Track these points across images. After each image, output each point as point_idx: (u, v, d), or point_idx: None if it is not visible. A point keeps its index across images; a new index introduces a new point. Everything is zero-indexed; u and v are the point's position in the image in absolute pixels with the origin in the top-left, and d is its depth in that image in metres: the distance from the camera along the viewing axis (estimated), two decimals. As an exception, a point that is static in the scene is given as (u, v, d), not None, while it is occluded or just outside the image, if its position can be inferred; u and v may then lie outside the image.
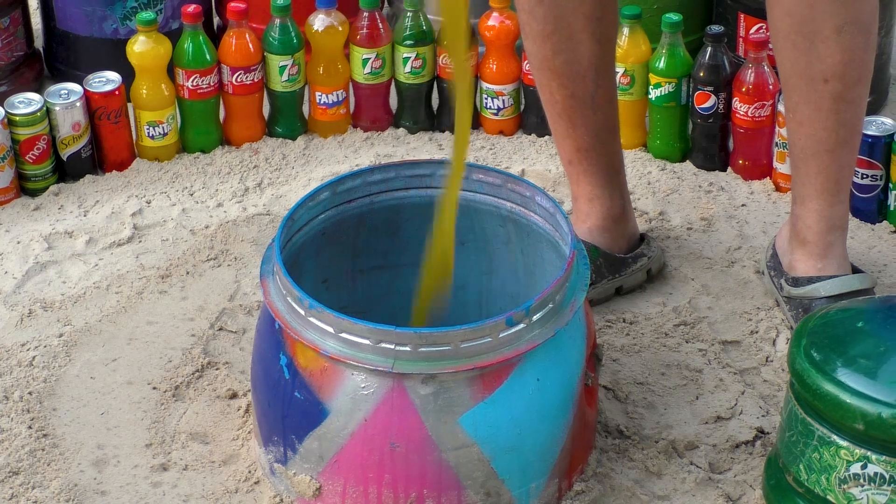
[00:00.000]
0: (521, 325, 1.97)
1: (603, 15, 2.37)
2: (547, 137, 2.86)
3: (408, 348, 1.93)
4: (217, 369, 2.36)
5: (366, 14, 2.86)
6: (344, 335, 1.95)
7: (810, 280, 2.39)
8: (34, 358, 2.38)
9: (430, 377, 1.94)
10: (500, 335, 1.95)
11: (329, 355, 1.95)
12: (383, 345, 1.93)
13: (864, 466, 1.95)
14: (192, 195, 2.78)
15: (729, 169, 2.83)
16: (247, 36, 2.84)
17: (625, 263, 2.50)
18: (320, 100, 2.91)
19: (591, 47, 2.38)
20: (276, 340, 2.04)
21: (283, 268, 2.01)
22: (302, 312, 1.98)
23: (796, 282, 2.41)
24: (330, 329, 1.96)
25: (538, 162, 2.85)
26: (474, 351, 1.94)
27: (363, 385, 1.96)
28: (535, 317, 1.98)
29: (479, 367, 1.95)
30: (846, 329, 2.03)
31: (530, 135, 2.93)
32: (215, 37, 2.96)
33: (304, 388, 2.00)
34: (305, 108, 2.96)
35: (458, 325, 1.94)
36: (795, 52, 2.27)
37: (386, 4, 3.22)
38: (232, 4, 2.84)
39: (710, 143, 2.81)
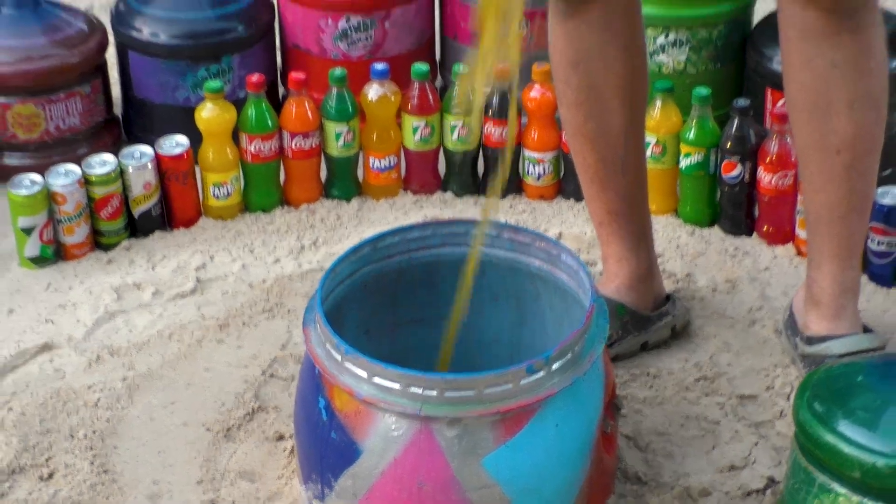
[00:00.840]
0: (542, 373, 1.99)
1: (633, 84, 2.41)
2: (584, 202, 2.88)
3: (434, 393, 1.96)
4: (266, 413, 2.41)
5: (416, 84, 2.89)
6: (376, 380, 1.98)
7: (823, 339, 2.41)
8: (99, 399, 2.43)
9: (456, 420, 1.97)
10: (522, 382, 1.98)
11: (363, 398, 1.99)
12: (412, 389, 1.97)
13: (863, 513, 1.98)
14: (251, 252, 2.82)
15: (754, 234, 2.83)
16: (306, 104, 2.87)
17: (650, 321, 2.52)
18: (373, 164, 2.94)
19: (621, 115, 2.41)
20: (315, 384, 2.07)
21: (324, 317, 2.05)
22: (339, 358, 2.01)
23: (810, 340, 2.43)
24: (363, 374, 1.99)
25: (575, 225, 2.88)
26: (497, 396, 1.97)
27: (394, 427, 1.99)
28: (554, 365, 2.00)
29: (502, 411, 1.97)
30: (847, 383, 2.06)
31: (569, 199, 2.95)
32: (279, 104, 3.00)
33: (339, 429, 2.03)
34: (360, 172, 2.98)
35: (484, 372, 1.98)
36: (810, 125, 2.30)
37: (438, 76, 3.27)
38: (293, 74, 2.89)
39: (736, 210, 2.83)
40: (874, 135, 2.31)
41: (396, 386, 1.98)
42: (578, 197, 2.90)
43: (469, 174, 2.99)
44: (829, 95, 2.25)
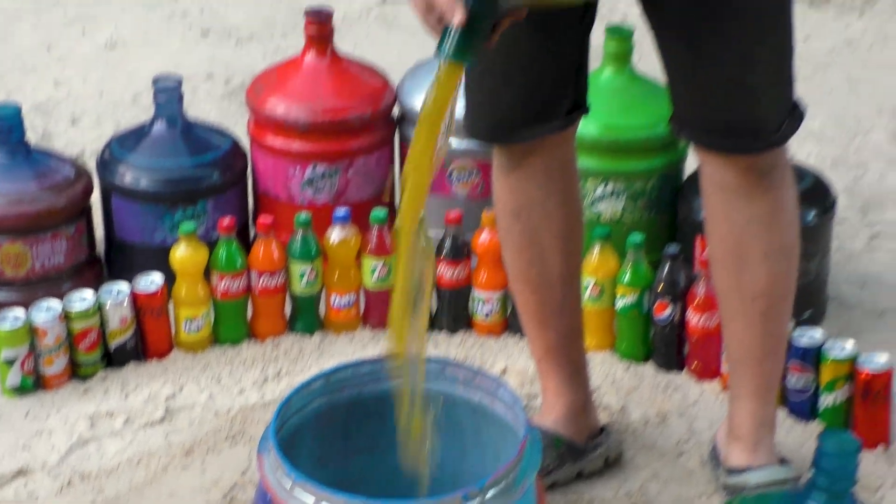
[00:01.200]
0: (476, 500, 1.99)
1: (570, 233, 2.44)
2: (529, 339, 2.91)
3: None
4: (227, 535, 2.41)
5: (375, 228, 2.92)
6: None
7: (742, 470, 2.41)
8: (69, 522, 2.44)
9: (395, 546, 2.00)
10: None
11: None
12: None
13: None
14: (219, 382, 2.82)
15: (684, 370, 2.84)
16: (273, 245, 2.89)
17: (585, 451, 2.52)
18: (334, 302, 2.96)
19: (560, 261, 2.43)
20: (268, 509, 2.09)
21: (276, 445, 2.06)
22: (288, 485, 2.01)
23: (730, 472, 2.43)
24: (311, 500, 1.99)
25: (520, 360, 2.88)
26: None
27: None
28: (488, 493, 2.00)
29: (437, 538, 2.00)
30: (761, 511, 2.09)
31: (514, 335, 2.95)
32: (250, 244, 3.01)
33: (289, 552, 2.05)
34: (322, 308, 3.00)
35: (424, 498, 2.00)
36: (728, 273, 2.34)
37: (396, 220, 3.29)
38: (261, 218, 2.93)
39: (668, 348, 2.84)
40: (787, 284, 2.34)
41: None
42: (524, 333, 2.91)
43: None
44: (745, 247, 2.29)
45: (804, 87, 3.96)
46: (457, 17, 1.83)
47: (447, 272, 2.94)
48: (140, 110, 3.81)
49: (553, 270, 2.44)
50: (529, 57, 2.24)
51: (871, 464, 2.58)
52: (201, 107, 3.88)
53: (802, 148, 3.68)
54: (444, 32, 1.87)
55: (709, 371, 2.81)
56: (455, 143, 3.01)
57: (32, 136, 3.56)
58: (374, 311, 3.00)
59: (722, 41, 2.12)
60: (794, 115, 2.23)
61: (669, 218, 3.03)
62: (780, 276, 2.32)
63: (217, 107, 3.89)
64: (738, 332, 2.38)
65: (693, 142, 2.26)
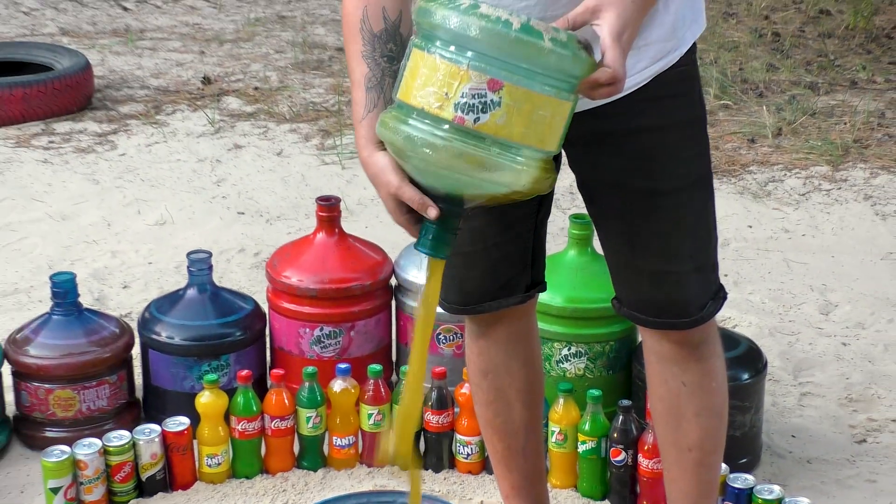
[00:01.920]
0: None
1: (531, 389, 2.44)
2: (503, 478, 2.91)
3: None
4: None
5: (371, 381, 2.95)
6: None
7: None
8: None
9: None
10: None
11: None
12: None
13: None
14: (234, 510, 2.84)
15: (637, 507, 2.85)
16: (283, 394, 2.92)
17: (546, 582, 2.53)
18: (336, 442, 2.97)
19: (522, 413, 2.44)
20: None
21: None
22: None
23: None
24: None
25: (495, 496, 2.86)
26: None
27: None
28: None
29: None
30: None
31: (491, 474, 2.92)
32: (265, 392, 3.00)
33: None
34: (325, 448, 3.00)
35: None
36: (666, 429, 2.34)
37: (393, 373, 3.32)
38: (274, 371, 2.97)
39: (622, 487, 2.84)
40: (717, 438, 2.34)
41: None
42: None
43: (414, 453, 2.97)
44: (680, 407, 2.29)
45: (748, 266, 4.11)
46: (432, 213, 1.82)
47: (433, 419, 2.95)
48: (182, 277, 3.84)
49: (516, 420, 2.45)
50: (491, 243, 2.26)
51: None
52: (233, 275, 3.95)
53: (745, 317, 3.73)
54: (421, 231, 1.86)
55: (658, 509, 2.81)
56: (443, 311, 3.05)
57: (89, 298, 3.65)
58: (370, 452, 2.99)
59: (650, 238, 2.14)
60: (717, 297, 2.23)
61: (624, 376, 3.05)
62: (710, 431, 2.32)
63: (247, 275, 3.95)
64: (676, 478, 2.38)
65: (630, 319, 2.28)
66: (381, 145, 1.86)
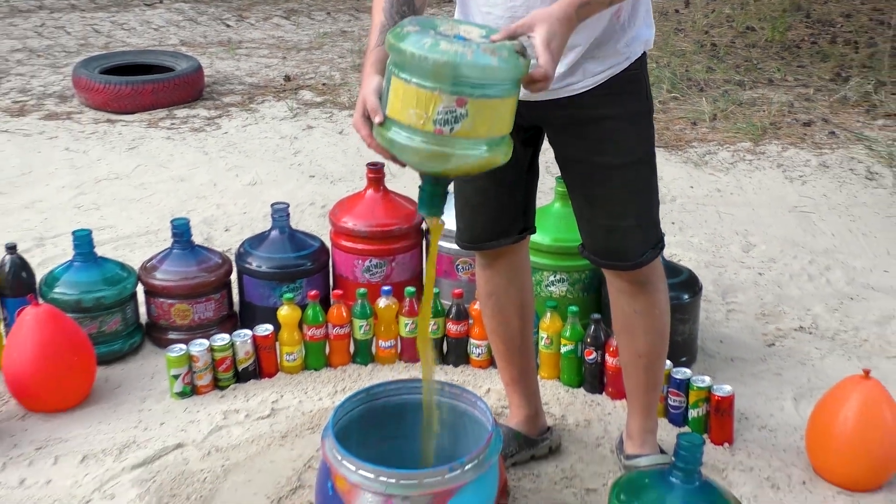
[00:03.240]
0: (458, 472, 2.01)
1: (523, 306, 2.45)
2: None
3: (394, 481, 1.98)
4: (304, 489, 2.41)
5: (407, 299, 2.94)
6: (360, 472, 2.01)
7: (634, 457, 2.42)
8: (206, 478, 2.43)
9: (406, 497, 1.99)
10: (446, 476, 2.01)
11: (352, 482, 2.01)
12: (381, 479, 1.99)
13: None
14: (305, 393, 2.82)
15: (603, 393, 2.83)
16: (342, 308, 2.91)
17: (536, 442, 2.52)
18: (381, 344, 2.97)
19: (517, 324, 2.45)
20: (326, 473, 2.09)
21: (332, 434, 2.08)
22: (339, 458, 2.04)
23: (628, 457, 2.43)
24: (353, 468, 2.01)
25: (498, 384, 2.84)
26: (431, 484, 1.99)
27: (370, 499, 2.00)
28: (466, 467, 2.03)
29: (433, 493, 1.99)
30: (639, 483, 2.07)
31: (496, 369, 2.89)
32: (328, 308, 3.00)
33: (338, 499, 2.04)
34: (373, 348, 3.00)
35: (424, 469, 2.00)
36: (623, 341, 2.37)
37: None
38: (335, 292, 2.95)
39: (593, 378, 2.83)
40: (660, 349, 2.36)
41: (371, 476, 2.00)
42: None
43: (438, 351, 3.00)
44: (632, 327, 2.31)
45: (689, 217, 4.06)
46: (377, 119, 1.77)
47: (453, 328, 2.95)
48: (268, 224, 3.82)
49: (513, 328, 2.45)
50: (493, 196, 2.27)
51: (720, 455, 2.58)
52: (306, 222, 3.93)
53: (687, 254, 3.70)
54: (420, 197, 1.89)
55: (619, 394, 2.79)
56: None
57: (200, 238, 3.65)
58: (406, 351, 3.00)
59: (603, 200, 2.15)
60: (656, 247, 2.22)
61: (595, 297, 3.03)
62: (654, 344, 2.34)
63: (316, 222, 3.93)
64: (631, 375, 2.40)
65: (589, 261, 2.27)
66: (380, 71, 1.85)
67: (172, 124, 5.12)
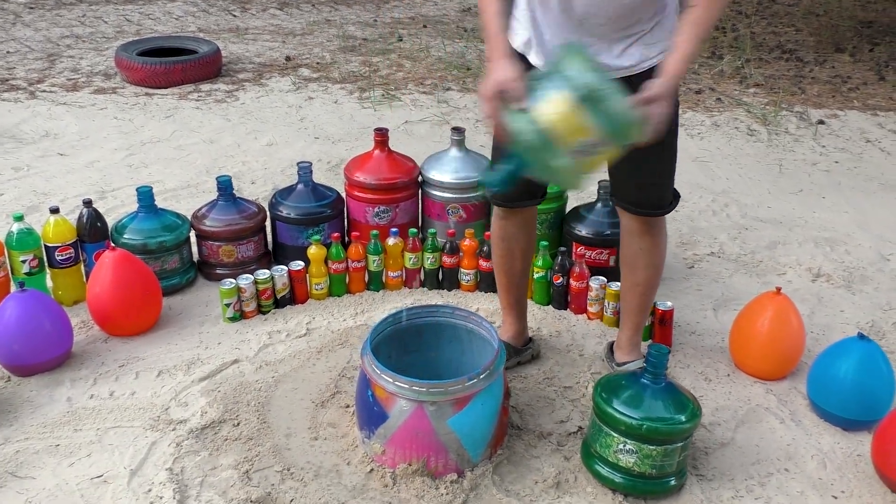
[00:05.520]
0: (475, 380, 1.94)
1: (529, 249, 2.36)
2: (489, 294, 2.81)
3: (424, 390, 1.90)
4: (342, 394, 2.29)
5: (411, 238, 2.81)
6: (396, 383, 1.92)
7: (624, 363, 2.35)
8: (261, 387, 2.30)
9: (434, 402, 1.91)
10: (466, 384, 1.93)
11: (389, 392, 1.92)
12: (414, 388, 1.91)
13: (623, 445, 1.91)
14: (333, 315, 2.70)
15: (568, 309, 2.75)
16: (358, 247, 2.78)
17: (522, 351, 2.44)
18: (390, 274, 2.84)
19: (521, 262, 2.36)
20: (366, 383, 2.00)
21: (371, 351, 1.98)
22: (378, 371, 1.95)
23: (618, 364, 2.37)
24: (390, 380, 1.93)
25: (483, 304, 2.77)
26: (454, 391, 1.91)
27: (404, 405, 1.92)
28: (481, 376, 1.95)
29: (456, 398, 1.91)
30: (617, 383, 2.00)
31: (483, 293, 2.84)
32: (347, 246, 2.88)
33: (378, 405, 1.96)
34: (384, 278, 2.87)
35: (447, 379, 1.91)
36: (626, 272, 2.29)
37: (420, 233, 3.16)
38: (352, 233, 2.82)
39: (560, 298, 2.75)
40: (654, 281, 2.29)
41: (406, 386, 1.92)
42: (484, 290, 2.83)
43: (435, 280, 2.89)
44: (636, 262, 2.24)
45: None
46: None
47: (447, 260, 2.83)
48: (285, 178, 3.68)
49: (517, 267, 2.36)
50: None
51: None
52: (316, 175, 3.72)
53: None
54: (492, 175, 1.78)
55: (581, 310, 2.73)
56: (450, 195, 2.92)
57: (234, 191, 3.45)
58: (410, 280, 2.87)
59: (649, 163, 2.06)
60: (676, 197, 2.19)
61: (559, 233, 2.93)
62: (651, 277, 2.27)
63: (325, 176, 3.76)
64: (627, 300, 2.33)
65: (625, 210, 2.19)
66: (509, 57, 1.78)
67: (199, 97, 4.84)
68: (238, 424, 2.16)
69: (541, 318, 2.71)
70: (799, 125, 4.50)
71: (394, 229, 2.84)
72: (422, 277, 2.89)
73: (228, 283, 2.62)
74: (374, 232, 2.82)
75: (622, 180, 2.15)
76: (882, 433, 2.00)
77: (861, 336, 2.17)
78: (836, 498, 1.97)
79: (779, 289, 2.41)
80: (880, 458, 1.99)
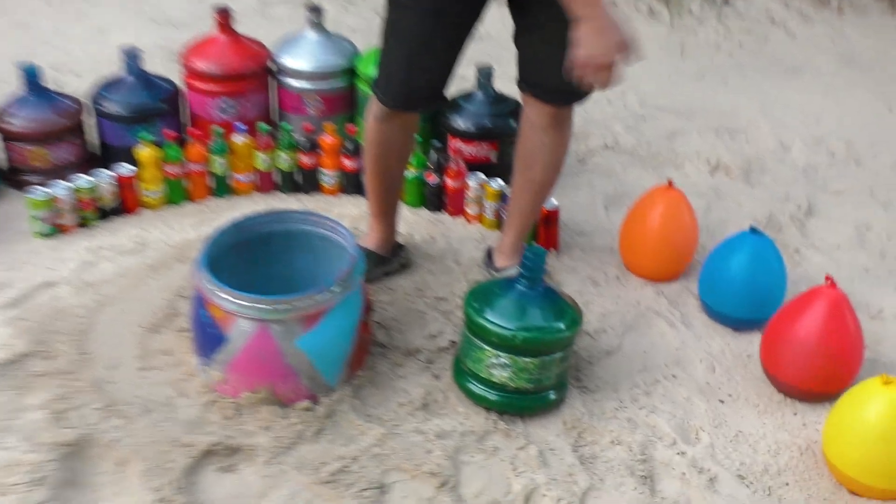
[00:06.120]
0: (328, 293, 1.87)
1: (408, 154, 2.29)
2: (358, 197, 2.70)
3: (268, 307, 1.82)
4: (178, 316, 2.17)
5: (261, 135, 2.66)
6: (236, 301, 1.84)
7: (504, 268, 2.32)
8: (80, 313, 2.16)
9: (280, 320, 1.84)
10: (317, 298, 1.86)
11: (227, 311, 1.83)
12: (255, 305, 1.83)
13: (497, 359, 1.88)
14: (170, 227, 2.54)
15: (444, 211, 2.69)
16: (199, 146, 2.61)
17: (390, 260, 2.38)
18: (239, 178, 2.69)
19: (398, 167, 2.28)
20: (201, 302, 1.90)
21: (206, 265, 1.88)
22: (213, 288, 1.85)
23: (497, 269, 2.33)
24: (228, 297, 1.83)
25: (347, 208, 2.66)
26: (303, 307, 1.85)
27: (245, 326, 1.84)
28: (334, 289, 1.89)
29: (305, 315, 1.84)
30: (490, 291, 1.96)
31: (347, 196, 2.74)
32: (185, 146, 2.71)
33: (214, 327, 1.87)
34: (232, 182, 2.71)
35: (295, 293, 1.83)
36: (523, 168, 2.25)
37: (276, 129, 3.03)
38: (190, 130, 2.66)
39: (434, 199, 2.68)
40: (553, 180, 2.27)
41: (246, 303, 1.84)
42: (350, 193, 2.73)
43: (292, 182, 2.76)
44: (535, 158, 2.20)
45: (508, 54, 3.83)
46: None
47: (305, 160, 2.70)
48: (118, 68, 3.40)
49: (393, 173, 2.29)
50: (443, 62, 2.06)
51: (549, 260, 2.50)
52: (156, 65, 3.48)
53: (512, 87, 3.51)
54: None
55: (458, 211, 2.67)
56: (308, 85, 2.77)
57: (51, 84, 3.17)
58: (264, 184, 2.74)
59: (559, 41, 1.91)
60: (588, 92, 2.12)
61: (434, 126, 2.82)
62: (549, 176, 2.25)
63: (165, 68, 3.49)
64: (518, 199, 2.31)
65: (535, 97, 2.12)
66: None
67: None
68: (50, 357, 2.02)
69: (413, 221, 2.64)
70: (703, 5, 4.49)
71: (241, 125, 2.68)
72: (277, 181, 2.75)
73: (38, 192, 2.42)
74: (218, 128, 2.65)
75: (538, 61, 2.07)
76: (770, 332, 2.04)
77: (753, 230, 2.19)
78: (722, 402, 2.01)
79: (670, 182, 2.40)
80: (767, 358, 2.04)
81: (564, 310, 1.92)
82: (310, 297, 1.84)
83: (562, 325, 1.89)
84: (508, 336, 1.84)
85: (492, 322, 1.86)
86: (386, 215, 2.35)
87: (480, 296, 1.94)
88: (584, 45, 1.75)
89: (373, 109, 2.16)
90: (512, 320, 1.85)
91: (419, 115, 2.23)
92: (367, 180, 2.31)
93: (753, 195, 2.90)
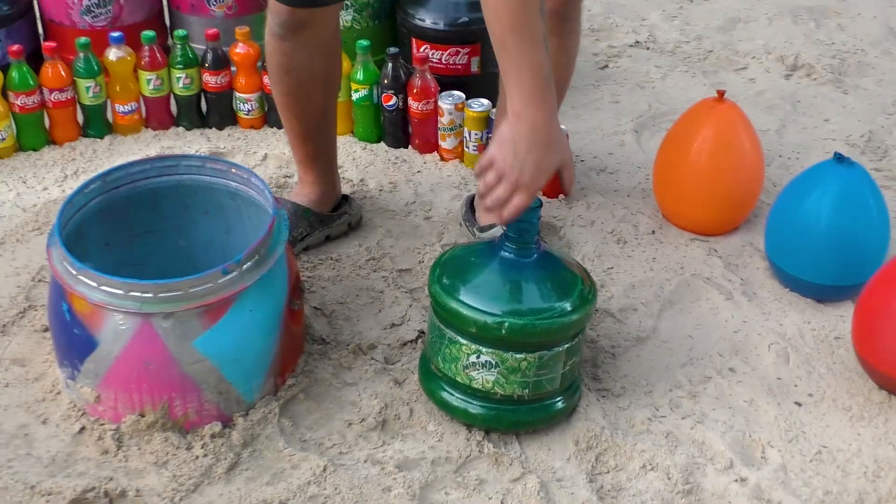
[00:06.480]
0: (235, 273, 1.85)
1: (330, 79, 2.29)
2: (284, 129, 2.70)
3: (150, 295, 1.81)
4: (35, 310, 2.16)
5: (146, 47, 2.66)
6: (104, 288, 1.81)
7: (490, 227, 2.32)
8: None
9: (169, 314, 1.82)
10: (219, 281, 1.84)
11: (94, 302, 1.82)
12: (132, 293, 1.81)
13: (478, 357, 1.87)
14: (24, 182, 2.55)
15: (409, 147, 2.70)
16: (59, 66, 2.60)
17: (332, 219, 2.38)
18: (119, 109, 2.70)
19: (321, 100, 2.29)
20: (59, 292, 1.89)
21: (60, 239, 1.86)
22: (73, 272, 1.83)
23: (482, 229, 2.34)
24: (94, 284, 1.82)
25: (277, 148, 2.69)
26: (200, 294, 1.83)
27: (121, 322, 1.83)
28: (245, 266, 1.87)
29: (205, 304, 1.83)
30: (465, 261, 1.95)
31: (272, 128, 2.76)
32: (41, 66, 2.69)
33: (80, 326, 1.86)
34: (110, 116, 2.73)
35: (190, 276, 1.82)
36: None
37: (169, 38, 3.00)
38: (46, 43, 2.63)
39: (395, 130, 2.68)
40: (560, 93, 2.27)
41: (120, 291, 1.82)
42: (280, 125, 2.72)
43: (195, 113, 2.76)
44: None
45: None
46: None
47: (211, 80, 2.70)
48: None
49: (316, 106, 2.29)
50: None
51: (555, 209, 2.51)
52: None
53: None
54: None
55: (428, 146, 2.68)
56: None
57: None
58: (154, 116, 2.75)
59: None
60: None
61: (390, 25, 2.84)
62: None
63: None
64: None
65: None
66: None
67: None
68: None
69: (366, 163, 2.64)
70: None
71: (117, 34, 2.67)
72: (173, 111, 2.74)
73: None
74: (84, 40, 2.64)
75: None
76: (867, 304, 2.02)
77: (839, 158, 2.17)
78: (800, 405, 2.01)
79: (721, 93, 2.39)
80: (863, 342, 2.03)
81: (571, 283, 1.90)
82: (209, 280, 1.83)
83: (567, 306, 1.87)
84: (491, 324, 1.83)
85: (468, 305, 1.84)
86: (317, 161, 2.35)
87: (451, 268, 1.92)
88: (502, 149, 1.81)
89: (270, 23, 2.17)
90: (496, 302, 1.84)
91: (335, 29, 2.22)
92: (284, 119, 2.33)
93: (847, 107, 2.90)
